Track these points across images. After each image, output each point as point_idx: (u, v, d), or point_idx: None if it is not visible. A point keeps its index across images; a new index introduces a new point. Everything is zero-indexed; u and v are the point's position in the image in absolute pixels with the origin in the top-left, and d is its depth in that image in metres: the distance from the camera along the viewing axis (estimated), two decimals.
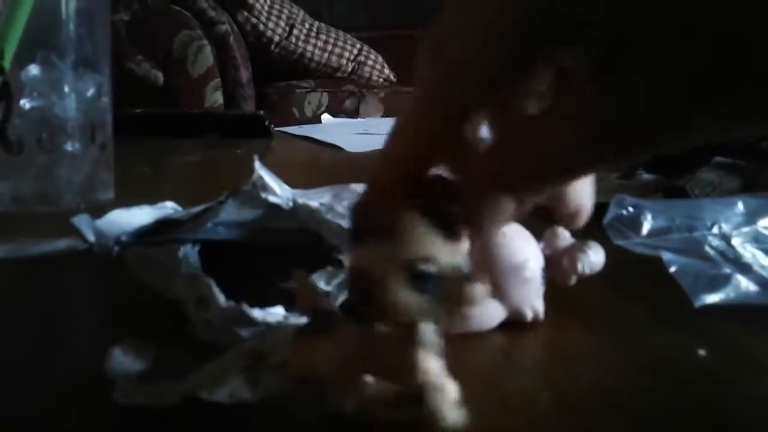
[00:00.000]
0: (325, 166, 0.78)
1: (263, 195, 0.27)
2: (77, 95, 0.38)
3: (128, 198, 0.43)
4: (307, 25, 2.01)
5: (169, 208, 0.35)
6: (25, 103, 0.36)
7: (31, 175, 0.37)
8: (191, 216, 0.28)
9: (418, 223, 0.18)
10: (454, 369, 0.18)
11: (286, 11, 1.98)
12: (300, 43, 1.97)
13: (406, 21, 2.34)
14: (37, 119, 0.36)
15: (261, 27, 1.91)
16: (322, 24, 2.08)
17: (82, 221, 0.29)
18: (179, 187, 0.63)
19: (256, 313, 0.23)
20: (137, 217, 0.31)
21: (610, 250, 0.28)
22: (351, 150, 0.84)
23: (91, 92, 0.38)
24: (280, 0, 2.01)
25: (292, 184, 0.36)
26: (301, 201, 0.28)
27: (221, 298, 0.23)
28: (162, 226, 0.28)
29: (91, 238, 0.28)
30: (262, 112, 1.07)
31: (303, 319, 0.22)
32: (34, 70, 0.37)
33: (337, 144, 0.87)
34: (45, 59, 0.37)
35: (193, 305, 0.23)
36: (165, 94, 1.69)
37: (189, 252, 0.25)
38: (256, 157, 0.28)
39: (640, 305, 0.27)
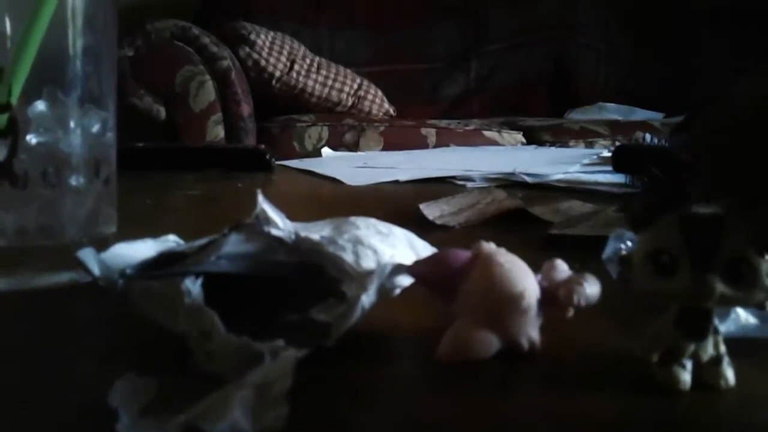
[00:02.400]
0: (326, 199, 0.79)
1: (266, 228, 0.28)
2: (83, 131, 0.38)
3: (130, 232, 0.44)
4: (308, 61, 2.04)
5: (171, 241, 0.35)
6: (32, 139, 0.37)
7: (35, 208, 0.37)
8: (194, 249, 0.28)
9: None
10: (449, 399, 0.18)
11: (287, 47, 2.01)
12: (301, 78, 2.00)
13: (405, 56, 2.37)
14: (42, 154, 0.37)
15: (262, 62, 1.94)
16: (323, 59, 2.11)
17: (87, 255, 0.30)
18: (181, 221, 0.64)
19: (259, 346, 0.23)
20: (141, 250, 0.31)
21: (609, 284, 0.29)
22: (351, 183, 0.85)
23: (96, 128, 0.39)
24: (281, 36, 2.04)
25: (293, 217, 0.36)
26: (302, 234, 0.28)
27: (224, 330, 0.23)
28: (165, 259, 0.28)
29: (97, 271, 0.29)
30: (263, 146, 1.08)
31: (303, 351, 0.23)
32: (40, 106, 0.37)
33: (337, 177, 0.88)
34: (52, 96, 0.38)
35: (196, 337, 0.24)
36: (167, 129, 1.71)
37: (192, 285, 0.26)
38: (259, 191, 0.28)
39: (638, 338, 0.27)
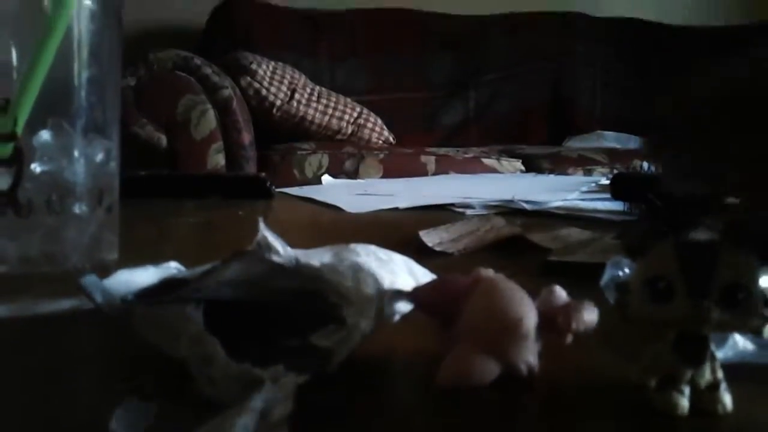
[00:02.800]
0: (326, 226, 0.79)
1: (267, 255, 0.28)
2: (86, 160, 0.39)
3: (132, 259, 0.44)
4: (308, 90, 2.06)
5: (173, 268, 0.36)
6: (36, 167, 0.37)
7: (39, 236, 0.37)
8: (196, 276, 0.28)
9: None
10: (448, 425, 0.18)
11: (288, 76, 2.03)
12: (301, 107, 2.02)
13: (404, 85, 2.39)
14: (46, 183, 0.37)
15: (263, 92, 1.96)
16: (323, 88, 2.13)
17: (90, 282, 0.30)
18: (182, 248, 0.64)
19: (259, 372, 0.23)
20: (142, 277, 0.32)
21: (607, 310, 0.29)
22: (351, 210, 0.85)
23: (99, 157, 0.40)
24: (282, 66, 2.06)
25: (294, 243, 0.36)
26: (303, 260, 0.29)
27: (225, 356, 0.24)
28: (167, 285, 0.28)
29: (99, 298, 0.29)
30: (263, 173, 1.09)
31: (303, 377, 0.23)
32: (45, 135, 0.38)
33: (338, 204, 0.88)
34: (56, 125, 0.38)
35: (198, 363, 0.24)
36: (168, 157, 1.72)
37: (193, 311, 0.26)
38: (260, 219, 0.29)
39: (636, 364, 0.27)
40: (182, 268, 0.36)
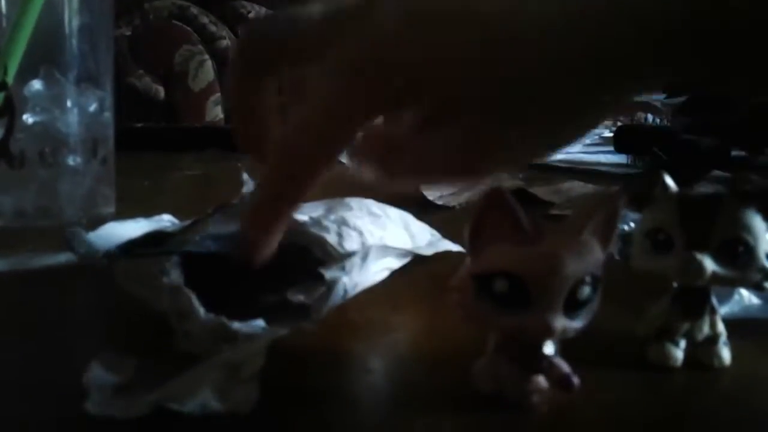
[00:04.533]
0: (326, 179, 0.78)
1: None
2: (80, 110, 0.38)
3: (129, 212, 0.44)
4: None
5: (165, 221, 0.35)
6: (28, 118, 0.36)
7: (33, 189, 0.37)
8: (179, 229, 0.28)
9: None
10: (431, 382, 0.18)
11: None
12: None
13: None
14: (39, 134, 0.37)
15: None
16: None
17: (74, 234, 0.30)
18: (180, 201, 0.64)
19: (237, 326, 0.23)
20: (133, 229, 0.31)
21: (612, 263, 0.28)
22: (349, 162, 0.84)
23: (93, 107, 0.39)
24: None
25: None
26: None
27: (202, 310, 0.23)
28: (151, 239, 0.27)
29: (82, 250, 0.29)
30: None
31: (281, 332, 0.23)
32: (37, 85, 0.37)
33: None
34: (48, 75, 0.37)
35: (175, 317, 0.24)
36: (166, 109, 1.70)
37: (173, 266, 0.25)
38: (244, 172, 0.28)
39: (641, 319, 0.27)
40: (175, 220, 0.36)
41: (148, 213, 0.36)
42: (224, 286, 0.25)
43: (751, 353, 0.27)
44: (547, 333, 0.21)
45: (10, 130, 0.36)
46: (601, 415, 0.23)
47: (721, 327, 0.26)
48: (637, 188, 0.26)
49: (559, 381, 0.22)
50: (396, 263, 0.31)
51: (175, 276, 0.25)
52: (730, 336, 0.26)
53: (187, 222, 0.29)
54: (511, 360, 0.22)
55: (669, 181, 0.25)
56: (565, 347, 0.22)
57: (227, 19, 1.91)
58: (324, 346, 0.27)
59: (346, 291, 0.27)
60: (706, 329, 0.26)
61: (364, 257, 0.27)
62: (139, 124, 0.96)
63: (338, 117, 0.23)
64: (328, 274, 0.26)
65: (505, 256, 0.21)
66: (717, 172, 0.67)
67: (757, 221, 0.24)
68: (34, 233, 0.37)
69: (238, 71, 0.26)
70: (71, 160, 0.38)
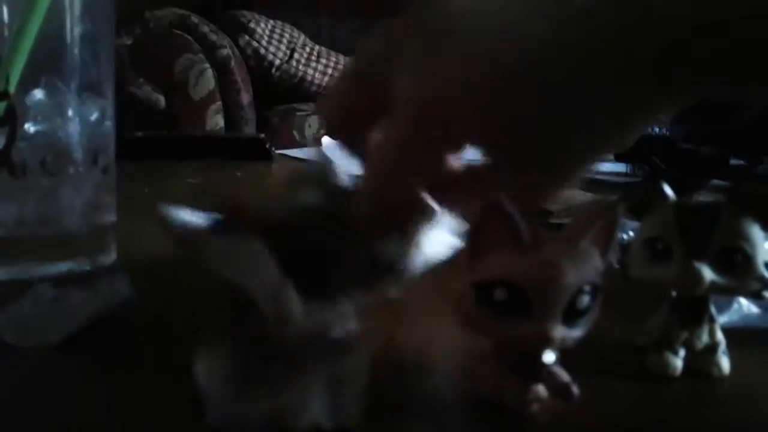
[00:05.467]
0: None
1: (329, 179, 0.28)
2: (81, 119, 0.38)
3: (130, 221, 0.44)
4: (307, 49, 2.03)
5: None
6: (30, 127, 0.36)
7: (34, 198, 0.37)
8: (257, 207, 0.27)
9: None
10: None
11: (287, 35, 2.00)
12: (301, 67, 1.99)
13: None
14: (41, 143, 0.37)
15: (262, 51, 1.93)
16: (323, 48, 2.10)
17: (169, 211, 0.27)
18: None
19: (325, 315, 0.23)
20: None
21: (611, 273, 0.29)
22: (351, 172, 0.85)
23: (94, 116, 0.39)
24: (281, 24, 2.03)
25: None
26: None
27: (301, 314, 0.23)
28: (231, 218, 0.27)
29: (176, 227, 0.27)
30: (262, 135, 1.08)
31: (373, 339, 0.23)
32: (38, 94, 0.37)
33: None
34: (50, 84, 0.37)
35: (275, 322, 0.23)
36: (166, 118, 1.70)
37: (262, 248, 0.24)
38: (317, 146, 0.28)
39: (641, 329, 0.27)
40: None
41: (150, 222, 0.36)
42: (311, 252, 0.25)
43: (750, 362, 0.27)
44: (547, 342, 0.21)
45: (11, 139, 0.36)
46: (600, 424, 0.23)
47: (720, 336, 0.26)
48: (636, 197, 0.26)
49: (559, 390, 0.22)
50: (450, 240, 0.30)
51: (267, 260, 0.23)
52: (729, 345, 0.26)
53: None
54: (510, 369, 0.22)
55: (668, 190, 0.26)
56: (564, 356, 0.22)
57: (228, 28, 1.92)
58: None
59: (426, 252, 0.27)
60: (705, 338, 0.26)
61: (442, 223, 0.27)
62: (140, 133, 0.96)
63: (408, 159, 0.25)
64: (415, 227, 0.26)
65: (504, 265, 0.21)
66: (716, 181, 0.67)
67: (755, 230, 0.24)
68: (35, 242, 0.37)
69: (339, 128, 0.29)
70: (72, 169, 0.38)
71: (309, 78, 2.00)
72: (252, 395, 0.21)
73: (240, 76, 1.80)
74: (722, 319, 0.28)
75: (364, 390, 0.21)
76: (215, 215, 0.28)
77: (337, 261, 0.26)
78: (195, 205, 0.28)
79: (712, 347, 0.26)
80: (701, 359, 0.26)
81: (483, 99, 0.23)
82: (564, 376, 0.22)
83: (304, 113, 1.84)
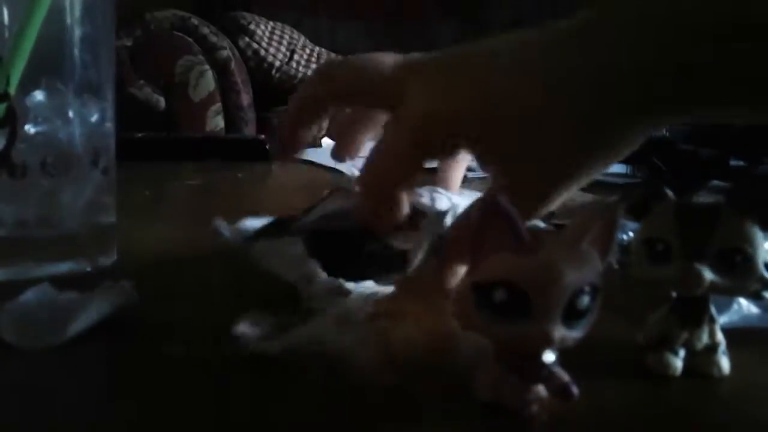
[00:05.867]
0: (325, 189, 0.78)
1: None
2: (81, 121, 0.38)
3: (130, 221, 0.44)
4: (307, 51, 2.04)
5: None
6: (30, 128, 0.36)
7: (34, 199, 0.37)
8: (300, 213, 0.35)
9: None
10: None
11: (287, 37, 2.01)
12: (301, 68, 1.99)
13: (405, 46, 2.36)
14: (41, 144, 0.37)
15: (262, 52, 1.93)
16: (323, 49, 2.10)
17: (220, 224, 0.37)
18: (181, 211, 0.64)
19: (351, 286, 0.29)
20: (262, 224, 0.38)
21: (611, 273, 0.29)
22: (351, 173, 0.85)
23: (95, 118, 0.39)
24: (281, 26, 2.03)
25: (292, 206, 0.36)
26: None
27: (323, 275, 0.30)
28: (279, 224, 0.36)
29: (228, 234, 0.36)
30: (262, 136, 1.08)
31: (385, 289, 0.29)
32: (39, 95, 0.37)
33: (337, 167, 0.88)
34: (50, 85, 0.37)
35: (302, 282, 0.30)
36: (166, 119, 1.70)
37: (298, 242, 0.32)
38: (348, 161, 0.37)
39: (641, 329, 0.27)
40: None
41: (149, 222, 0.36)
42: (340, 255, 0.31)
43: (750, 362, 0.27)
44: (547, 342, 0.21)
45: (12, 141, 0.36)
46: (600, 424, 0.23)
47: (720, 336, 0.26)
48: (635, 198, 0.26)
49: (559, 390, 0.22)
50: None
51: (300, 250, 0.31)
52: (729, 345, 0.26)
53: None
54: (510, 369, 0.22)
55: (668, 190, 0.26)
56: (564, 356, 0.22)
57: (228, 29, 1.92)
58: (323, 352, 0.27)
59: (441, 239, 0.31)
60: (705, 338, 0.26)
61: (455, 214, 0.32)
62: (140, 134, 0.96)
63: (402, 161, 0.30)
64: (424, 223, 0.31)
65: (504, 265, 0.21)
66: (716, 182, 0.67)
67: (755, 231, 0.24)
68: (36, 243, 0.37)
69: (309, 89, 0.34)
70: (73, 170, 0.38)
71: None
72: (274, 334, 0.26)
73: (240, 77, 1.80)
74: (722, 319, 0.28)
75: (365, 321, 0.26)
76: (267, 220, 0.38)
77: (356, 254, 0.31)
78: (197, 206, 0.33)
79: (712, 347, 0.26)
80: (701, 359, 0.26)
81: (482, 122, 0.28)
82: (564, 376, 0.22)
83: None
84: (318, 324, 0.26)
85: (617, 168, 0.80)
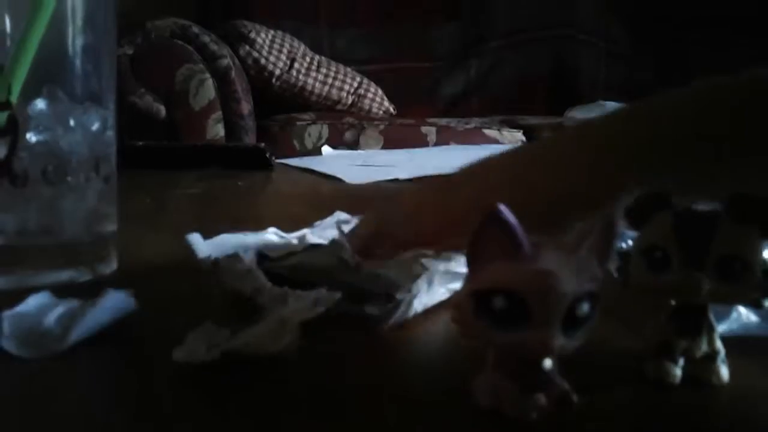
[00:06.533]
0: (326, 197, 0.79)
1: (340, 253, 0.35)
2: (83, 129, 0.38)
3: (131, 230, 0.44)
4: (308, 59, 2.04)
5: (272, 233, 0.43)
6: (31, 137, 0.37)
7: (36, 207, 0.37)
8: (281, 254, 0.39)
9: None
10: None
11: (287, 45, 2.01)
12: (301, 77, 2.00)
13: (405, 55, 2.37)
14: (42, 152, 0.37)
15: (262, 61, 1.94)
16: (323, 57, 2.11)
17: (194, 239, 0.39)
18: (181, 219, 0.64)
19: (298, 293, 0.31)
20: (239, 240, 0.41)
21: (610, 281, 0.29)
22: (351, 181, 0.85)
23: (96, 126, 0.39)
24: (281, 34, 2.04)
25: (293, 215, 0.36)
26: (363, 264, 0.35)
27: (269, 284, 0.33)
28: (259, 255, 0.38)
29: (200, 254, 0.38)
30: (263, 144, 1.08)
31: (333, 296, 0.30)
32: (40, 104, 0.37)
33: (338, 175, 0.88)
34: (51, 94, 0.38)
35: (253, 292, 0.33)
36: (167, 127, 1.71)
37: (256, 270, 0.35)
38: (338, 227, 0.38)
39: (640, 337, 0.27)
40: (282, 233, 0.43)
41: (150, 231, 0.37)
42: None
43: (749, 371, 0.27)
44: (546, 350, 0.21)
45: (13, 149, 0.36)
46: (599, 431, 0.23)
47: (719, 344, 0.26)
48: (634, 206, 0.26)
49: (558, 398, 0.22)
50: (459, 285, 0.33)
51: (250, 264, 0.35)
52: (728, 353, 0.26)
53: (295, 235, 0.42)
54: (509, 377, 0.22)
55: (666, 198, 0.26)
56: (563, 364, 0.22)
57: (228, 38, 1.93)
58: (324, 358, 0.27)
59: (413, 309, 0.32)
60: (704, 346, 0.26)
61: (430, 282, 0.33)
62: (141, 143, 0.96)
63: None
64: (399, 295, 0.32)
65: (503, 273, 0.21)
66: None
67: (754, 238, 0.24)
68: (36, 251, 0.37)
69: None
70: (74, 179, 0.38)
71: (309, 88, 2.00)
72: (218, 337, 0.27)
73: (240, 85, 1.81)
74: (721, 327, 0.28)
75: (301, 326, 0.27)
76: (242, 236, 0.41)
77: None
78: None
79: (712, 356, 0.26)
80: (700, 368, 0.26)
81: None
82: (563, 384, 0.22)
83: (304, 123, 1.85)
84: (260, 328, 0.27)
85: None
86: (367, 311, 0.32)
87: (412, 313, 0.32)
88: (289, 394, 0.25)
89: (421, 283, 0.33)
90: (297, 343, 0.26)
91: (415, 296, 0.32)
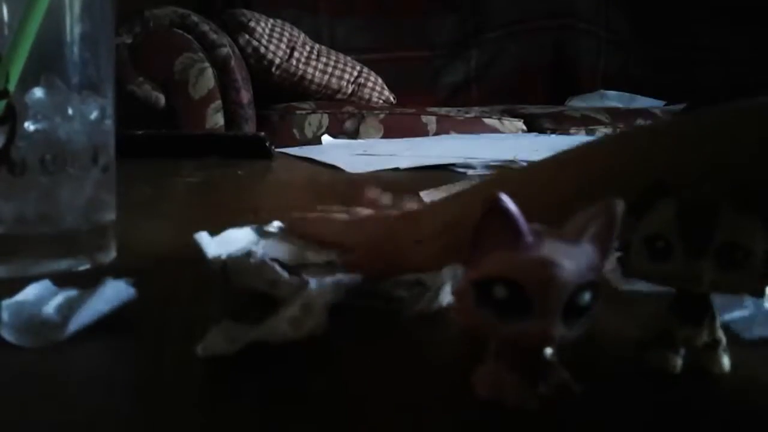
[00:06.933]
0: (325, 186, 0.78)
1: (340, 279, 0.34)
2: (81, 118, 0.38)
3: (130, 219, 0.44)
4: (307, 48, 2.03)
5: (274, 226, 0.43)
6: (29, 126, 0.36)
7: (34, 196, 0.37)
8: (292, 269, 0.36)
9: None
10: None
11: (287, 34, 2.00)
12: (300, 66, 1.99)
13: (405, 44, 2.36)
14: (40, 141, 0.37)
15: (262, 50, 1.93)
16: (323, 47, 2.10)
17: (202, 238, 0.38)
18: (181, 208, 0.64)
19: (314, 281, 0.30)
20: (244, 235, 0.41)
21: (611, 272, 0.29)
22: (351, 171, 0.85)
23: (94, 115, 0.39)
24: (281, 23, 2.03)
25: (293, 204, 0.36)
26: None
27: (285, 274, 0.32)
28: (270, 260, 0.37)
29: (209, 254, 0.37)
30: (262, 133, 1.08)
31: (352, 279, 0.30)
32: (38, 92, 0.37)
33: (337, 165, 0.88)
34: (50, 82, 0.37)
35: (267, 287, 0.32)
36: (166, 116, 1.70)
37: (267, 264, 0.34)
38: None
39: (641, 326, 0.27)
40: (283, 225, 0.43)
41: (149, 220, 0.36)
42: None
43: (750, 360, 0.27)
44: (547, 339, 0.21)
45: (11, 138, 0.36)
46: (600, 420, 0.23)
47: (720, 333, 0.26)
48: (636, 195, 0.26)
49: (559, 387, 0.22)
50: None
51: (260, 256, 0.35)
52: (729, 342, 0.26)
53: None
54: (511, 366, 0.22)
55: (668, 187, 0.26)
56: (565, 353, 0.22)
57: (228, 27, 1.92)
58: (326, 350, 0.27)
59: (441, 298, 0.32)
60: (705, 336, 0.26)
61: (456, 275, 0.32)
62: (140, 132, 0.96)
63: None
64: (428, 283, 0.32)
65: (504, 262, 0.21)
66: None
67: (756, 227, 0.24)
68: (35, 240, 0.37)
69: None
70: (72, 168, 0.38)
71: (309, 77, 1.99)
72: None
73: (240, 74, 1.80)
74: (726, 316, 0.28)
75: (328, 307, 0.27)
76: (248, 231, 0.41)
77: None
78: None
79: (713, 345, 0.26)
80: (703, 357, 0.26)
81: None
82: (564, 373, 0.22)
83: (304, 112, 1.84)
84: (281, 315, 0.27)
85: None
86: (395, 295, 0.32)
87: (439, 302, 0.32)
88: (279, 386, 0.25)
89: (450, 274, 0.32)
90: (324, 326, 0.26)
91: (444, 284, 0.32)
